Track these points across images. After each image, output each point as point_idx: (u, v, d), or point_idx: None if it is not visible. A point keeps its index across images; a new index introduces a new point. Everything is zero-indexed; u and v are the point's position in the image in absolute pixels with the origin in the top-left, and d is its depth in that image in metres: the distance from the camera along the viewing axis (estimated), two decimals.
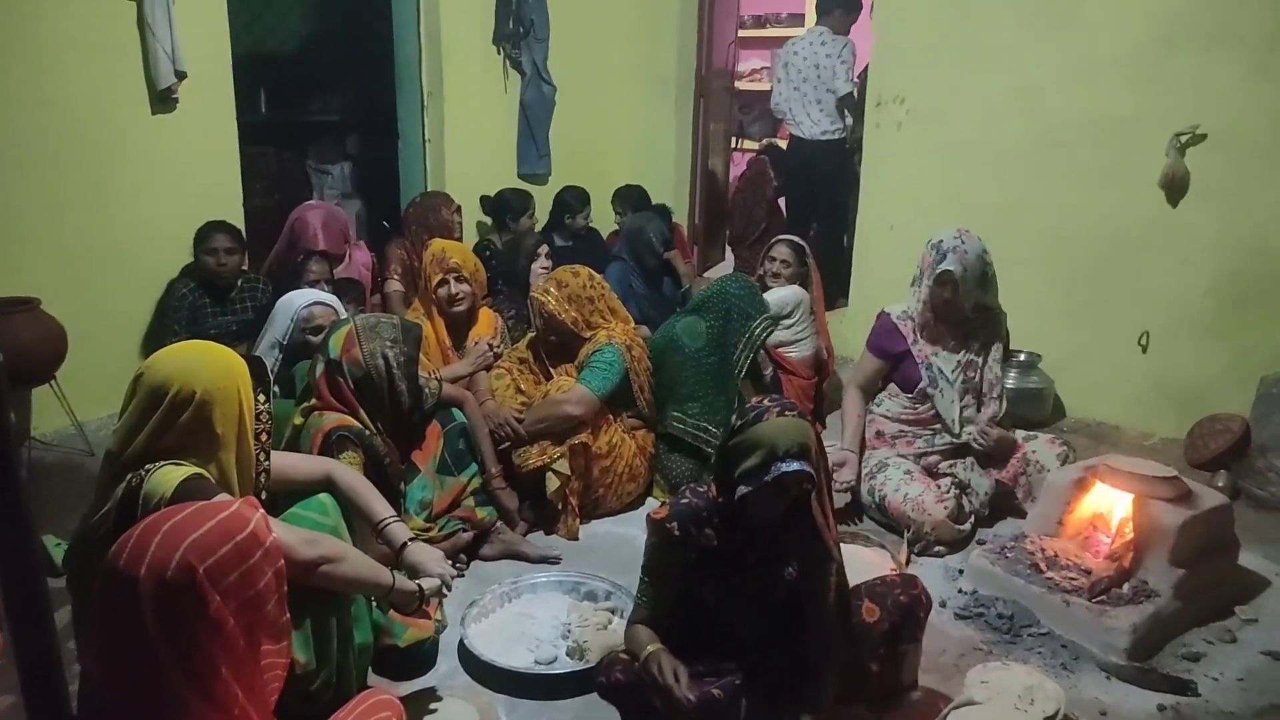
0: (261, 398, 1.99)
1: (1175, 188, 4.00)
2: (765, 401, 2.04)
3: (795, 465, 1.90)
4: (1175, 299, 4.10)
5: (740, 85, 7.60)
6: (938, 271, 3.25)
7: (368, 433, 2.61)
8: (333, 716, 1.81)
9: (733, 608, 2.14)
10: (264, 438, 1.98)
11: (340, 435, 2.53)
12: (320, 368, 2.70)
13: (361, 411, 2.67)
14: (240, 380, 1.91)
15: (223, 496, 1.75)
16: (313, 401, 2.69)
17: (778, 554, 2.11)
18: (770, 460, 1.91)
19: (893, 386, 3.46)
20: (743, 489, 1.95)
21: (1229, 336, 3.98)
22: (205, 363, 1.89)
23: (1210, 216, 3.96)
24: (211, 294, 4.07)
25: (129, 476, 1.76)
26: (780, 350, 4.03)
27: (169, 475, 1.75)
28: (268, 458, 2.02)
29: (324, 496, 2.18)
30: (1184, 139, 3.93)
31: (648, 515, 2.17)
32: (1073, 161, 4.27)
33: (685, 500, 2.11)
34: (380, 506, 2.22)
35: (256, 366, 2.01)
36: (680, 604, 2.14)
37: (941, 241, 3.29)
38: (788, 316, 4.02)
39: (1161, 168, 3.99)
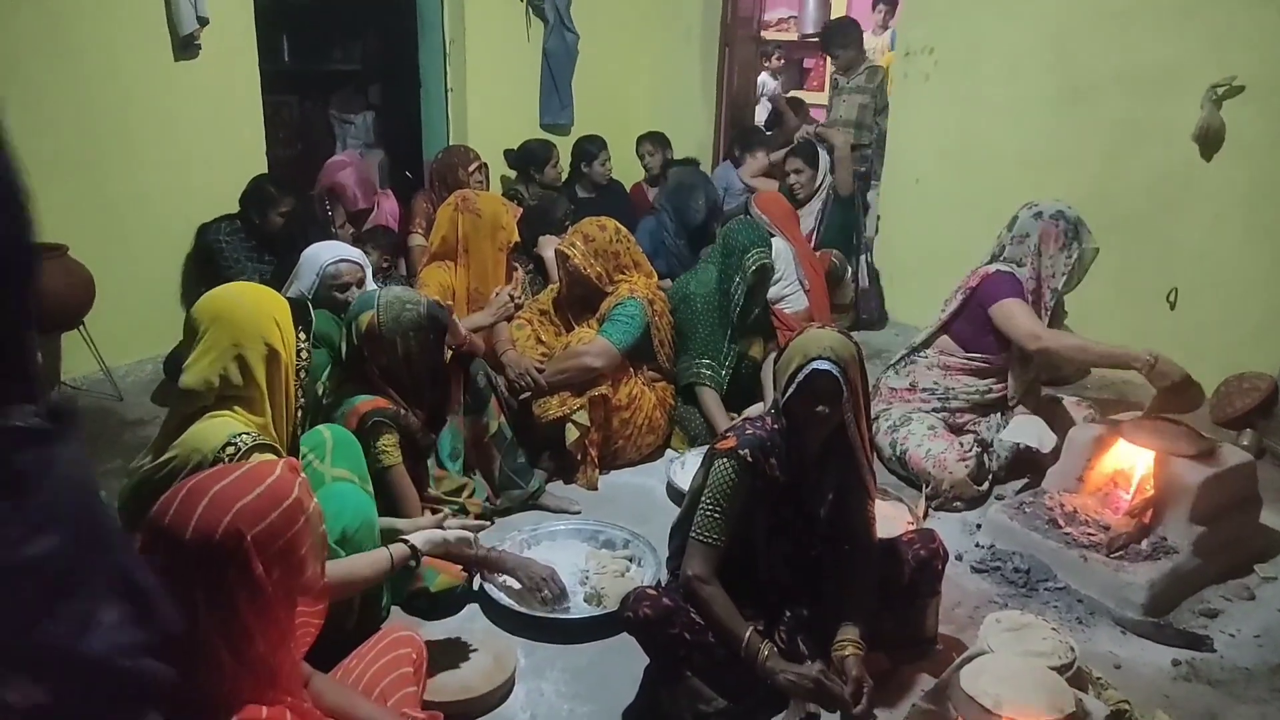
0: (302, 335, 2.09)
1: (1210, 141, 3.91)
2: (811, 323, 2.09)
3: (825, 364, 1.98)
4: (1206, 255, 4.02)
5: (767, 34, 7.47)
6: (1083, 249, 3.15)
7: (402, 412, 2.65)
8: (355, 651, 1.86)
9: (781, 545, 2.15)
10: (301, 375, 2.06)
11: (376, 421, 2.57)
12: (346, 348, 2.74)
13: (391, 391, 2.70)
14: (273, 321, 2.01)
15: (267, 458, 1.78)
16: (338, 373, 2.75)
17: (824, 486, 2.15)
18: (804, 364, 2.00)
19: (947, 340, 3.37)
20: (784, 396, 2.04)
21: (1260, 294, 3.92)
22: (239, 310, 2.00)
23: (1245, 171, 3.87)
24: (252, 242, 4.09)
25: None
26: (776, 306, 4.02)
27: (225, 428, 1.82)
28: (302, 395, 2.09)
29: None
30: (1220, 90, 3.83)
31: (712, 447, 2.14)
32: (1103, 113, 4.18)
33: (749, 431, 2.11)
34: (378, 555, 1.98)
35: (299, 308, 2.12)
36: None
37: (1065, 211, 3.17)
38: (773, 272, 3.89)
39: (1195, 120, 3.90)
